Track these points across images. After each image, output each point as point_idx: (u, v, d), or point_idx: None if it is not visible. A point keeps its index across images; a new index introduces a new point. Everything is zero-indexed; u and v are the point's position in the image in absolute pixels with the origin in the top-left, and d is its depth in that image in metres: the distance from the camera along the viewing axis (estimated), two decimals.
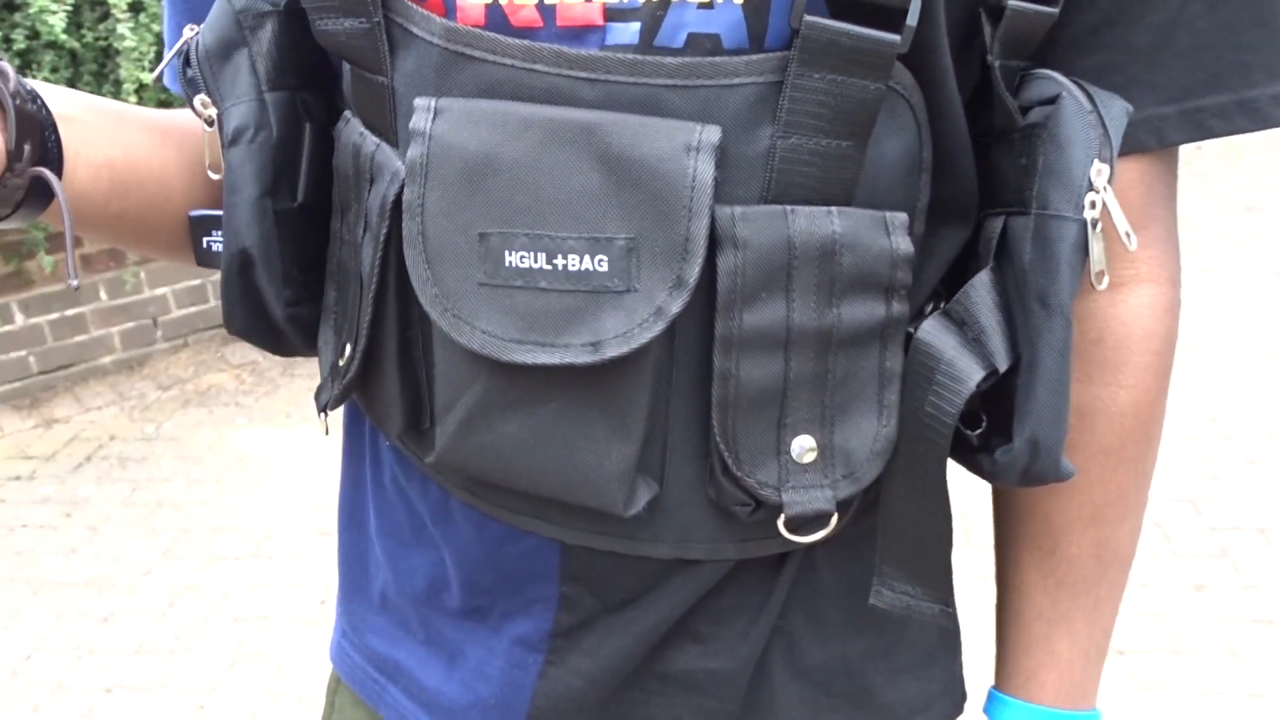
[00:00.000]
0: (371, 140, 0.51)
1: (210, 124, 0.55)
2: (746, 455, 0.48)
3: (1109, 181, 0.46)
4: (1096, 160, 0.46)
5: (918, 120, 0.47)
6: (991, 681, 0.64)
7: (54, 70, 2.73)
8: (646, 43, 0.45)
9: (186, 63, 0.55)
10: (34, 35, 2.68)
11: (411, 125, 0.47)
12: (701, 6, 0.44)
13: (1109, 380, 0.54)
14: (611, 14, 0.45)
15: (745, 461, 0.48)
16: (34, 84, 0.51)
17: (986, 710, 0.63)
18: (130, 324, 3.25)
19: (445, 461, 0.52)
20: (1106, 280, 0.47)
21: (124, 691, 2.02)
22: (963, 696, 0.66)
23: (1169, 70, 0.49)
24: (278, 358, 2.80)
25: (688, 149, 0.44)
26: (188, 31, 0.56)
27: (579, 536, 0.53)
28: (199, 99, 0.55)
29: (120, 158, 0.55)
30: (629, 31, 0.45)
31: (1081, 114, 0.46)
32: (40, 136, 0.50)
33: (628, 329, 0.45)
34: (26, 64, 2.73)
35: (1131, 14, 0.49)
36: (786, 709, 0.58)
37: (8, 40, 2.65)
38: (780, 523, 0.50)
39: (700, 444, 0.50)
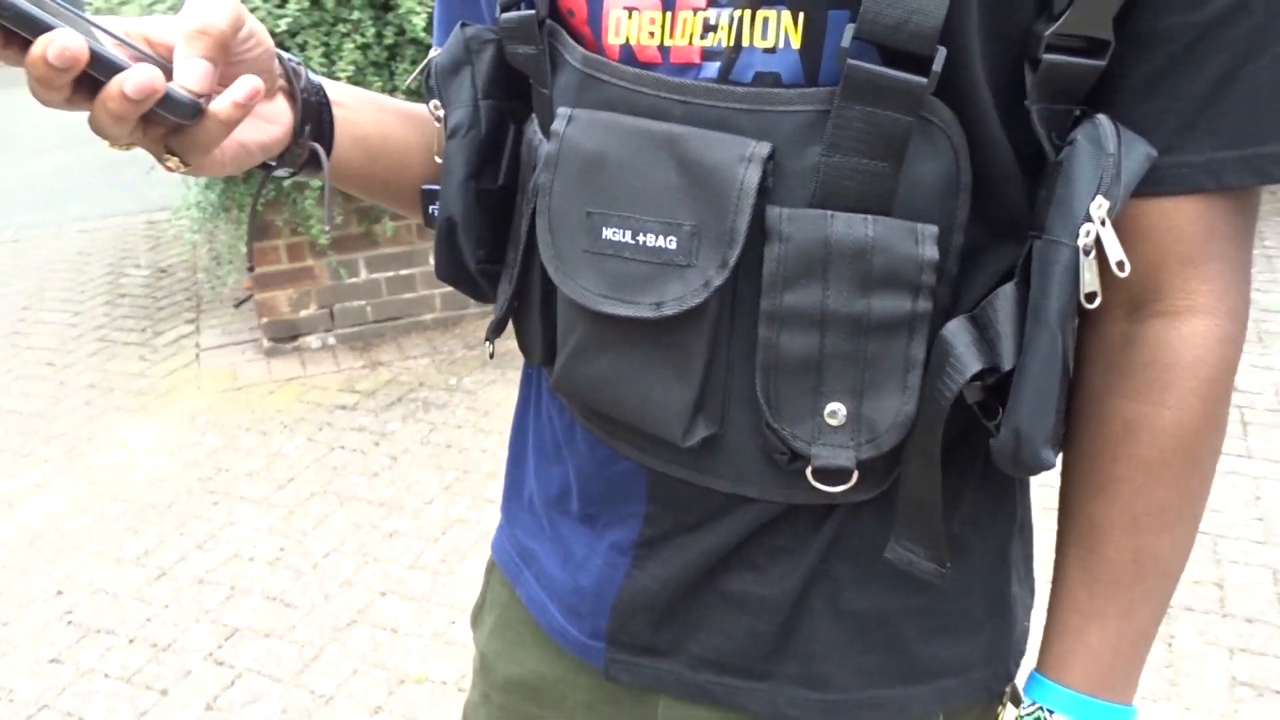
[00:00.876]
0: (540, 137, 0.66)
1: (439, 121, 0.72)
2: (786, 412, 0.58)
3: (1108, 213, 0.52)
4: (1101, 196, 0.52)
5: (955, 148, 0.55)
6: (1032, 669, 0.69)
7: (413, 62, 3.17)
8: (724, 77, 0.57)
9: (428, 75, 0.73)
10: (400, 32, 3.13)
11: (553, 127, 0.61)
12: (766, 52, 0.56)
13: (1155, 400, 0.59)
14: (707, 55, 0.57)
15: (785, 418, 0.58)
16: (318, 79, 0.70)
17: (1025, 688, 0.68)
18: (450, 290, 3.68)
19: (559, 386, 0.66)
20: (1099, 300, 0.53)
21: (395, 597, 2.35)
22: (1008, 673, 0.71)
23: (1229, 118, 0.54)
24: None
25: (741, 159, 0.55)
26: (433, 51, 0.73)
27: (661, 465, 0.65)
28: (433, 102, 0.72)
29: (375, 135, 0.74)
30: (712, 69, 0.57)
31: (1093, 154, 0.53)
32: (318, 119, 0.69)
33: (683, 295, 0.57)
34: (392, 55, 3.18)
35: (1189, 65, 0.54)
36: (822, 641, 0.67)
37: (379, 35, 3.11)
38: (809, 472, 0.60)
39: (755, 400, 0.60)
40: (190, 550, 2.58)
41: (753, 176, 0.55)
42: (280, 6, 3.07)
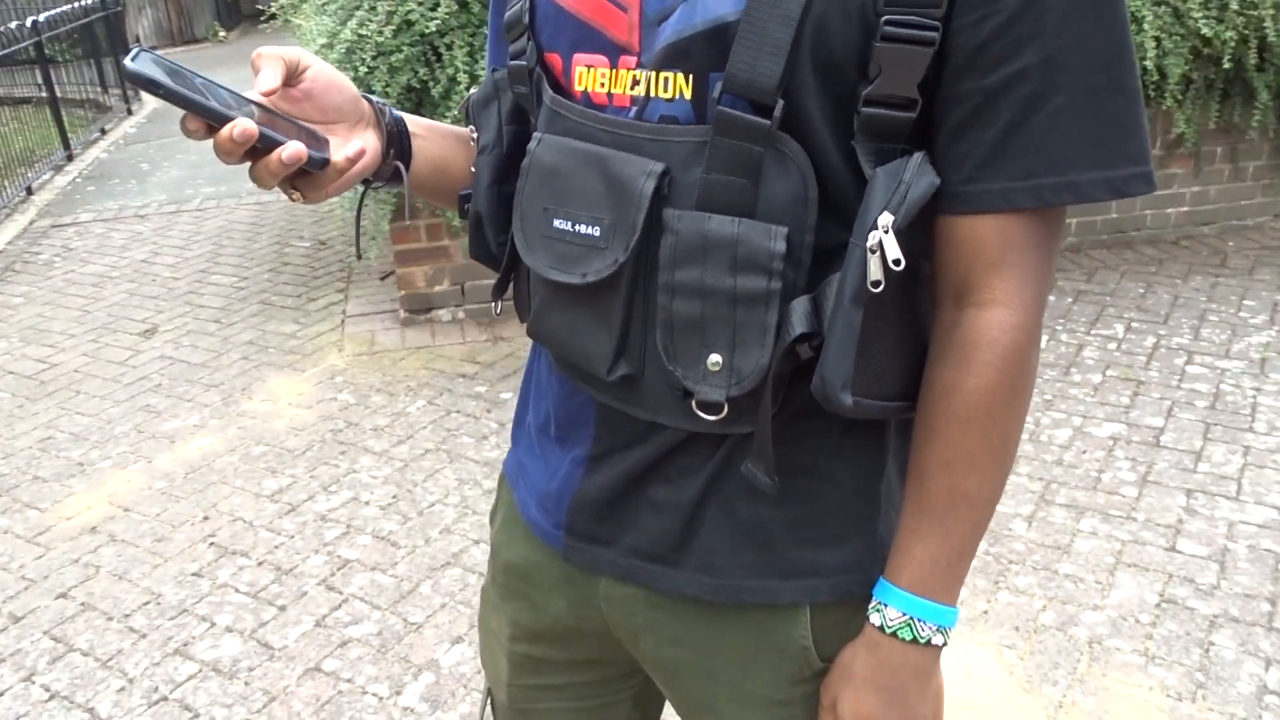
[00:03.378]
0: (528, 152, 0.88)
1: (474, 143, 0.94)
2: (680, 359, 0.77)
3: (891, 226, 0.69)
4: (888, 212, 0.69)
5: (802, 172, 0.73)
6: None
7: None
8: (639, 116, 0.77)
9: (467, 108, 0.96)
10: None
11: (529, 146, 0.83)
12: (668, 100, 0.75)
13: (961, 369, 0.75)
14: (634, 101, 0.77)
15: (679, 363, 0.77)
16: (399, 113, 0.92)
17: (873, 589, 0.83)
18: None
19: (530, 334, 0.89)
20: (883, 286, 0.70)
21: (486, 545, 2.61)
22: (870, 580, 0.84)
23: (1017, 158, 0.71)
24: None
25: (643, 173, 0.75)
26: (471, 90, 0.97)
27: (601, 397, 0.85)
28: (470, 128, 0.95)
29: (439, 155, 0.96)
30: (632, 111, 0.78)
31: (887, 181, 0.70)
32: (400, 145, 0.91)
33: (600, 268, 0.77)
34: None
35: (985, 118, 0.71)
36: (716, 539, 0.85)
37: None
38: (693, 404, 0.78)
39: (645, 344, 0.79)
40: (317, 491, 2.91)
41: (649, 186, 0.74)
42: (432, 10, 3.38)
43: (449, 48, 3.42)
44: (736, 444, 0.83)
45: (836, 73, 0.71)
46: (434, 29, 3.36)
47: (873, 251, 0.69)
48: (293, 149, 0.76)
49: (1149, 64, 3.79)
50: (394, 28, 3.38)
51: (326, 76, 0.83)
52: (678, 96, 0.75)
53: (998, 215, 0.73)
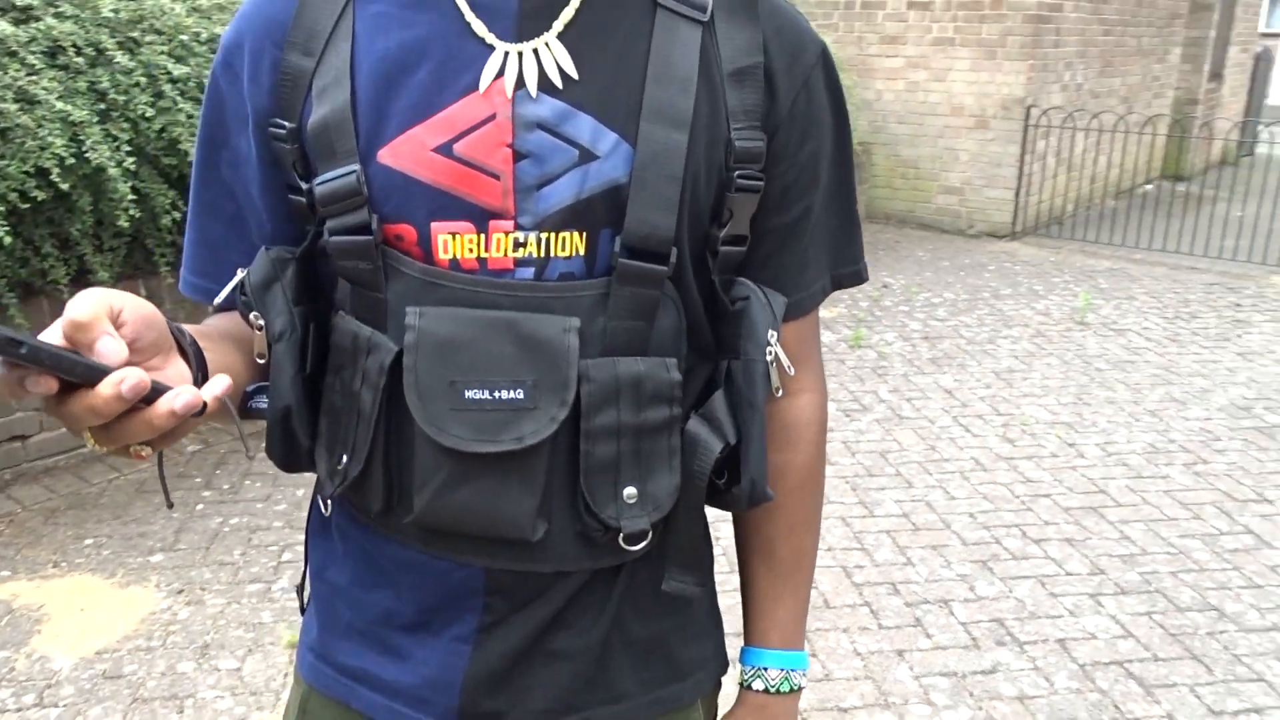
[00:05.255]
0: (365, 329, 0.81)
1: (259, 329, 0.83)
2: (598, 500, 0.80)
3: (776, 340, 0.83)
4: (772, 330, 0.83)
5: (677, 307, 0.82)
6: (741, 645, 0.97)
7: None
8: (539, 276, 0.79)
9: (240, 291, 0.82)
10: None
11: (407, 322, 0.77)
12: (565, 258, 0.79)
13: (789, 450, 0.93)
14: (519, 263, 0.79)
15: (598, 504, 0.80)
16: (186, 327, 0.75)
17: (742, 659, 0.97)
18: None
19: (422, 521, 0.80)
20: (782, 391, 0.87)
21: None
22: (727, 661, 0.98)
23: (808, 270, 0.90)
24: (35, 509, 3.16)
25: (565, 330, 0.77)
26: (240, 273, 0.84)
27: (500, 563, 0.83)
28: (253, 314, 0.82)
29: (228, 364, 0.80)
30: (527, 272, 0.79)
31: (761, 305, 0.83)
32: (200, 361, 0.73)
33: (536, 429, 0.77)
34: None
35: (784, 249, 0.88)
36: (619, 668, 0.88)
37: None
38: (620, 539, 0.81)
39: (571, 497, 0.81)
40: None
41: (574, 341, 0.78)
42: None
43: None
44: (630, 568, 0.88)
45: (699, 220, 0.82)
46: None
47: (771, 363, 0.82)
48: (186, 397, 0.63)
49: None
50: None
51: (138, 310, 0.67)
52: (574, 254, 0.79)
53: (797, 322, 0.91)
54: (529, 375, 0.78)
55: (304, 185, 0.82)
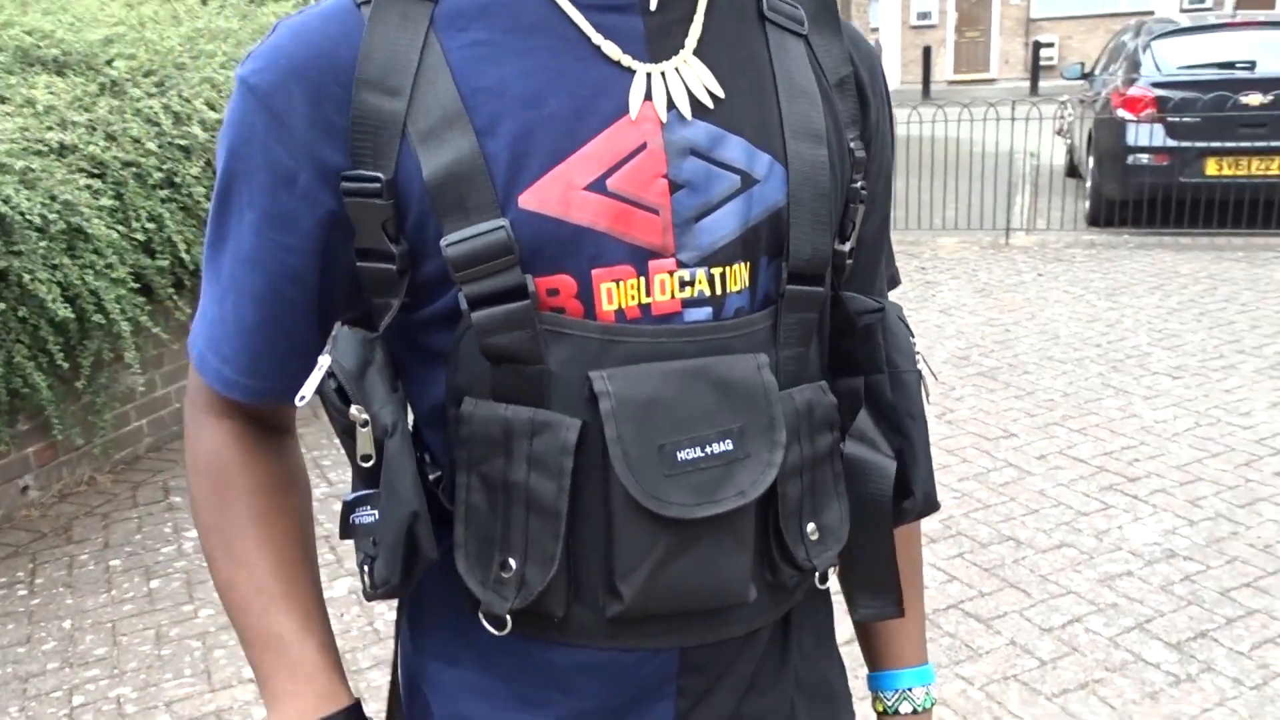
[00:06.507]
0: (523, 410, 0.69)
1: (364, 425, 0.69)
2: (791, 544, 0.76)
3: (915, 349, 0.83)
4: (914, 339, 0.82)
5: (820, 330, 0.80)
6: (869, 673, 0.96)
7: None
8: (717, 316, 0.73)
9: (333, 382, 0.69)
10: None
11: (596, 389, 0.68)
12: (737, 293, 0.73)
13: None
14: (686, 304, 0.72)
15: (790, 548, 0.76)
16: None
17: (879, 685, 0.94)
18: None
19: (633, 608, 0.70)
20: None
21: None
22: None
23: (878, 281, 0.91)
24: None
25: (758, 368, 0.72)
26: (323, 359, 0.70)
27: (695, 639, 0.75)
28: (355, 408, 0.69)
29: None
30: (701, 312, 0.72)
31: (895, 317, 0.82)
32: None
33: (754, 479, 0.71)
34: None
35: (869, 258, 0.88)
36: (799, 717, 0.85)
37: None
38: (816, 578, 0.79)
39: (765, 546, 0.75)
40: None
41: (770, 378, 0.73)
42: None
43: None
44: (796, 616, 0.86)
45: (829, 238, 0.79)
46: None
47: (920, 373, 0.82)
48: None
49: None
50: None
51: None
52: (743, 288, 0.74)
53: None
54: (734, 423, 0.71)
55: (394, 249, 0.69)
